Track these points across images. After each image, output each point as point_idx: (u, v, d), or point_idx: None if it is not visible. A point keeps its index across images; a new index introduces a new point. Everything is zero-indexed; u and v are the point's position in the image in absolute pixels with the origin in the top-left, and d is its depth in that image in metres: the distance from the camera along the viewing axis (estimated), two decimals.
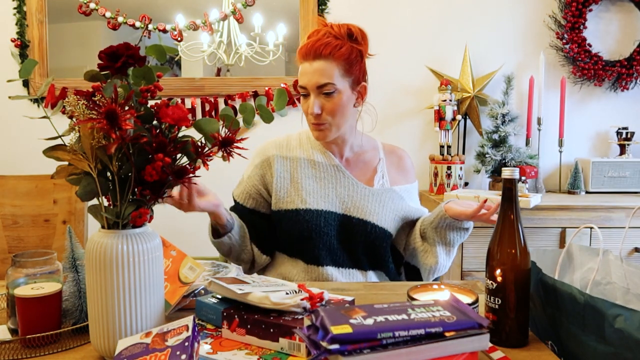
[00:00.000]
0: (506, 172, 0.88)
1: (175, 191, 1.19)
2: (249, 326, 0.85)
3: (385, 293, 1.16)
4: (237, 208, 1.43)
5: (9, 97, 0.87)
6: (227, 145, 0.83)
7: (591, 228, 0.92)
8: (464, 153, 2.52)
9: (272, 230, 1.41)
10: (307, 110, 1.32)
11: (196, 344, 0.74)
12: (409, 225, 1.45)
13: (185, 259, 1.02)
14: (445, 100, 2.38)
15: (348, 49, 1.29)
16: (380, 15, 2.51)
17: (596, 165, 2.37)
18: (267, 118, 0.90)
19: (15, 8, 2.47)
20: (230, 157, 0.84)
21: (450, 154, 2.38)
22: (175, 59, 2.52)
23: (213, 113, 2.51)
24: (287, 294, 0.90)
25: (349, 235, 1.35)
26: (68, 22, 2.52)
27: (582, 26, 2.46)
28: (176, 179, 0.81)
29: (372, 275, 1.37)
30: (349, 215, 1.35)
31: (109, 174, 0.82)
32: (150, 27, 2.50)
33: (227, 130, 0.83)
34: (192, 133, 0.84)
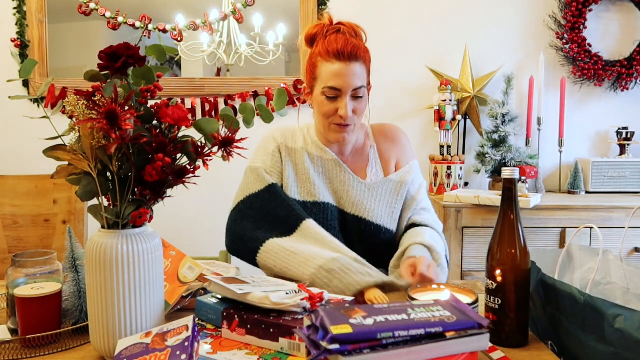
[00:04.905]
0: (506, 172, 0.89)
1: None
2: (249, 326, 0.85)
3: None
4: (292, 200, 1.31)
5: (9, 97, 0.87)
6: (227, 145, 0.83)
7: (591, 228, 0.92)
8: (464, 153, 2.52)
9: None
10: (336, 113, 1.27)
11: (196, 344, 0.74)
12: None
13: (184, 259, 1.02)
14: (445, 100, 2.38)
15: (368, 50, 1.31)
16: (380, 15, 2.51)
17: (596, 165, 2.37)
18: (267, 118, 0.90)
19: (15, 8, 2.47)
20: (230, 157, 0.84)
21: (450, 154, 2.38)
22: (175, 59, 2.52)
23: (213, 113, 2.51)
24: (287, 294, 0.90)
25: (347, 232, 1.34)
26: (68, 22, 2.52)
27: (582, 26, 2.45)
28: (176, 179, 0.81)
29: None
30: (345, 211, 1.34)
31: (109, 174, 0.82)
32: (150, 27, 2.50)
33: (227, 130, 0.83)
34: (192, 133, 0.84)
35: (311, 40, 1.34)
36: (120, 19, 2.47)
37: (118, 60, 0.80)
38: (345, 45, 1.25)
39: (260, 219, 1.28)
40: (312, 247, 1.19)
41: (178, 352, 0.70)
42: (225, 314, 0.88)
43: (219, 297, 0.96)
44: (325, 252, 1.17)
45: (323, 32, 1.31)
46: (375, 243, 1.34)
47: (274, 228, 1.26)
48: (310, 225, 1.24)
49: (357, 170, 1.38)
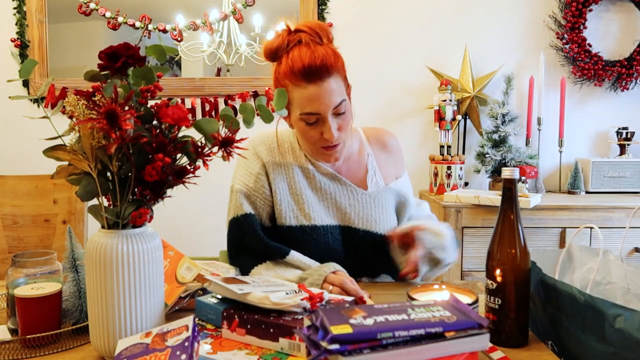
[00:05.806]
0: (506, 172, 0.89)
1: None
2: (249, 326, 0.85)
3: (385, 293, 1.16)
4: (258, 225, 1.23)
5: (9, 97, 0.87)
6: (227, 145, 0.83)
7: (591, 228, 0.92)
8: (464, 153, 2.52)
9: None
10: (321, 136, 1.16)
11: (196, 344, 0.74)
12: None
13: (182, 259, 1.02)
14: (445, 100, 2.38)
15: (338, 54, 1.16)
16: (380, 16, 2.51)
17: (596, 165, 2.37)
18: (267, 118, 0.90)
19: (15, 8, 2.47)
20: (230, 157, 0.84)
21: (450, 154, 2.38)
22: (175, 59, 2.52)
23: (213, 113, 2.51)
24: (287, 294, 0.90)
25: (356, 246, 1.26)
26: (68, 22, 2.52)
27: (582, 26, 2.45)
28: (176, 179, 0.81)
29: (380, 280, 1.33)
30: (353, 227, 1.26)
31: (109, 174, 0.82)
32: (150, 27, 2.50)
33: (227, 130, 0.83)
34: (192, 133, 0.84)
35: (272, 56, 1.21)
36: (120, 19, 2.47)
37: (118, 60, 0.80)
38: (312, 60, 1.11)
39: (245, 244, 1.23)
40: (295, 271, 1.17)
41: (178, 352, 0.70)
42: (225, 314, 0.88)
43: (219, 297, 0.96)
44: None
45: (284, 46, 1.17)
46: (386, 251, 1.27)
47: (257, 255, 1.21)
48: (294, 255, 1.19)
49: (356, 181, 1.30)
